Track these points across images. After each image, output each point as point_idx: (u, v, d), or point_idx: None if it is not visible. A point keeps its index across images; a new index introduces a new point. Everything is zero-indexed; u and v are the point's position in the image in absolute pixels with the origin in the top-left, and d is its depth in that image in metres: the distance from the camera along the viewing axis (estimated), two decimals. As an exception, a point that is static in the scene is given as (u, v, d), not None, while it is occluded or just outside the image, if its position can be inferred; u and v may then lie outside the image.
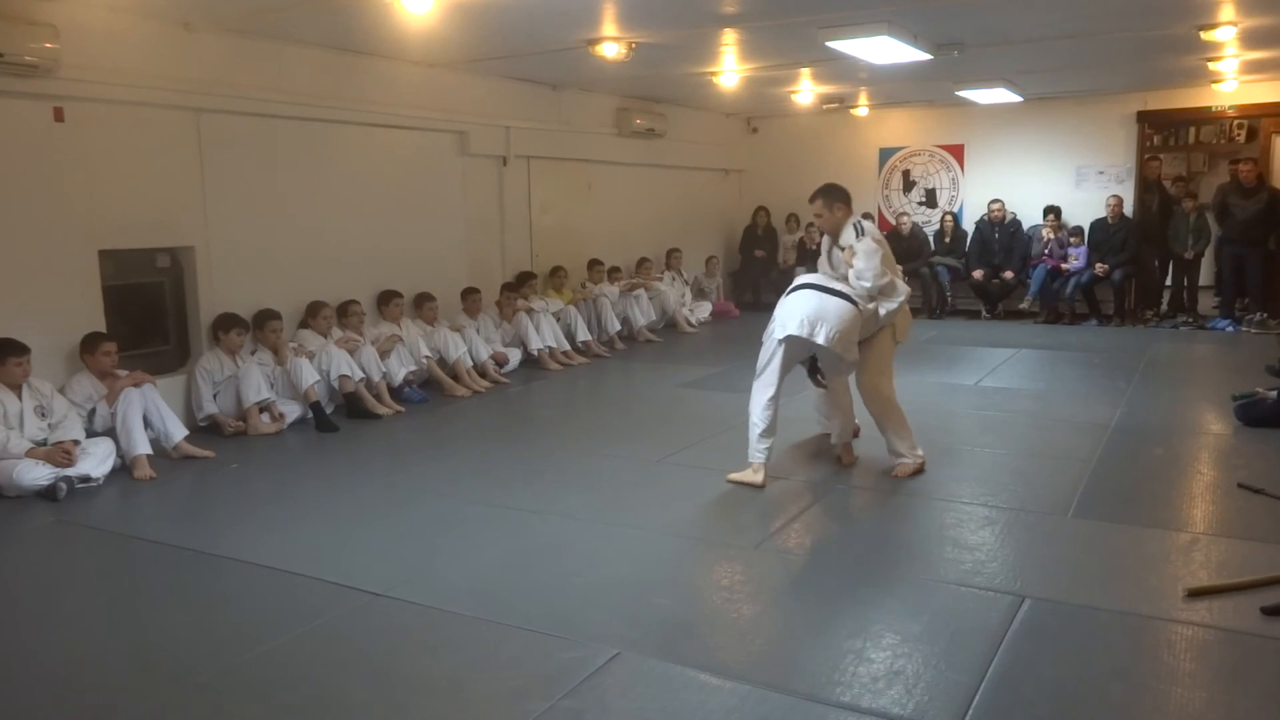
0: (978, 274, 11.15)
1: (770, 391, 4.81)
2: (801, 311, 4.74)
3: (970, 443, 5.77)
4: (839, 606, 3.54)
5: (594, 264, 9.97)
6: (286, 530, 4.40)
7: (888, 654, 3.06)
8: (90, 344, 5.53)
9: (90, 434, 5.29)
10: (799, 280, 5.02)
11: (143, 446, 5.32)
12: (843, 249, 5.05)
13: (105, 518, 4.71)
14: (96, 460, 5.09)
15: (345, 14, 6.02)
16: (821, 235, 5.45)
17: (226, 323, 6.31)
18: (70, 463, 4.95)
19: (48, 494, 4.80)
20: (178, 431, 5.58)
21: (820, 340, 4.67)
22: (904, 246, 10.87)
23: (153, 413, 5.52)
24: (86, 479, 4.99)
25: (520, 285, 8.83)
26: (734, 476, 4.87)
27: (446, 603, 3.51)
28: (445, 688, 2.93)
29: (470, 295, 8.18)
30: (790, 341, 4.76)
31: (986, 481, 4.94)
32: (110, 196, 5.88)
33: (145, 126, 6.07)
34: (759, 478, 4.80)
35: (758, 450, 4.83)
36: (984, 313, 11.29)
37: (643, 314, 9.93)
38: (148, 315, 6.46)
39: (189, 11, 5.99)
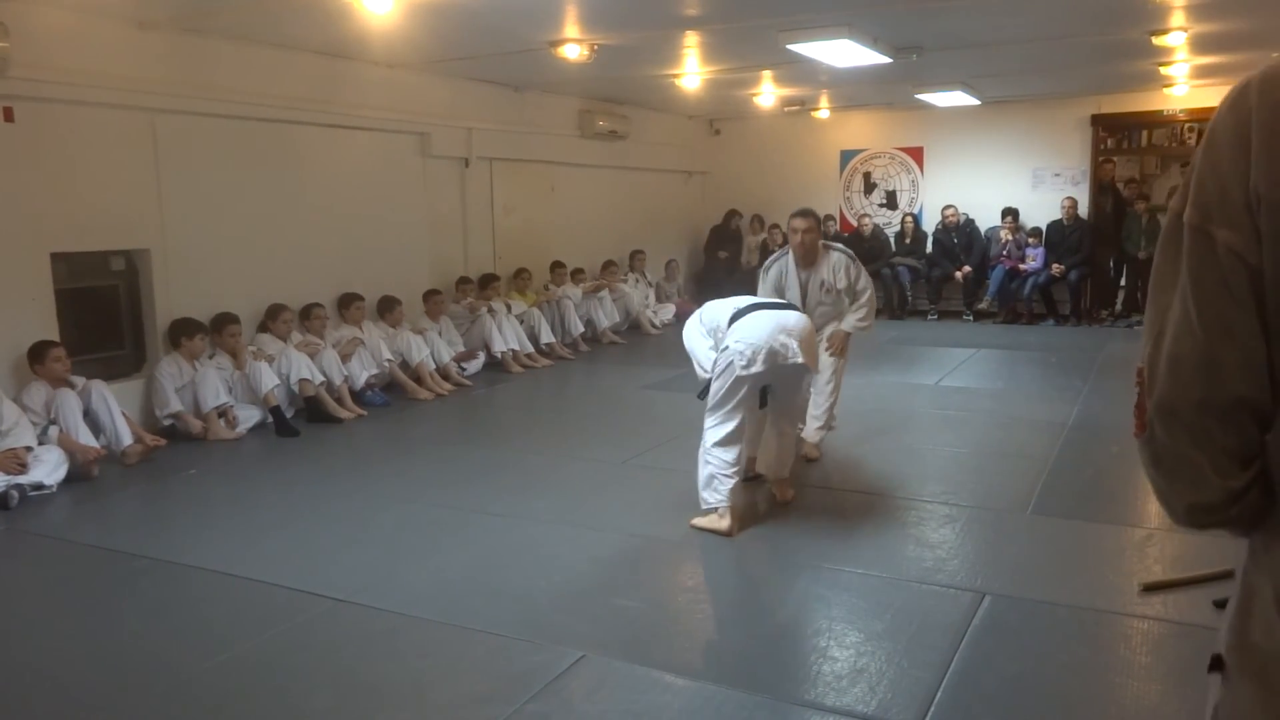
0: (959, 273, 11.21)
1: (732, 425, 4.26)
2: (769, 336, 4.21)
3: (931, 441, 5.84)
4: (802, 606, 3.56)
5: (557, 266, 9.95)
6: (246, 536, 4.34)
7: (851, 652, 3.09)
8: (38, 353, 5.40)
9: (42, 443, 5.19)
10: (745, 303, 4.48)
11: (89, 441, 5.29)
12: (824, 282, 5.14)
13: (59, 526, 4.62)
14: (49, 468, 4.99)
15: (304, 14, 5.96)
16: (782, 249, 5.31)
17: (188, 328, 6.21)
18: (22, 470, 4.86)
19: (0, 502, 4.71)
20: (128, 436, 5.49)
21: (798, 359, 4.21)
22: (865, 248, 10.95)
23: (103, 414, 5.43)
24: (39, 486, 4.89)
25: (484, 286, 8.79)
26: (699, 523, 4.28)
27: (410, 608, 3.48)
28: (409, 693, 2.91)
29: (431, 297, 8.13)
30: (758, 376, 4.25)
31: (947, 480, 5.00)
32: (63, 198, 5.77)
33: (99, 127, 5.96)
34: (725, 523, 4.20)
35: (718, 493, 4.23)
36: (965, 315, 11.34)
37: (606, 316, 9.93)
38: (102, 319, 6.34)
39: (143, 10, 5.90)
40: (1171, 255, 0.97)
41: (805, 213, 5.14)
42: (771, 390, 4.49)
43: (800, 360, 4.24)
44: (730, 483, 4.24)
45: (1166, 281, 0.98)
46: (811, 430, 5.34)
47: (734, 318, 4.36)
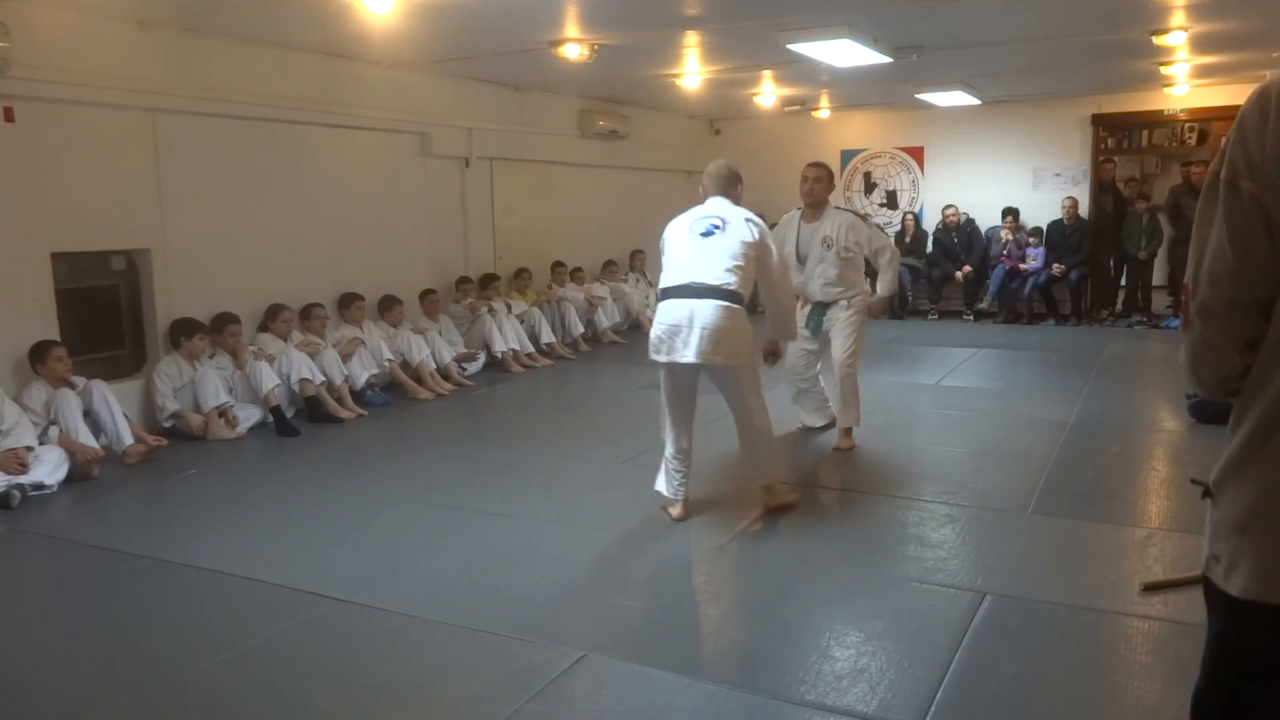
0: (959, 273, 11.20)
1: (668, 415, 4.27)
2: (669, 329, 4.04)
3: (931, 441, 5.83)
4: (803, 605, 3.56)
5: (558, 266, 9.95)
6: (246, 536, 4.34)
7: (851, 652, 3.09)
8: (40, 353, 5.40)
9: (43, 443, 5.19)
10: (672, 271, 4.19)
11: (89, 441, 5.29)
12: (826, 238, 5.35)
13: (59, 525, 4.62)
14: (49, 467, 4.99)
15: (305, 14, 5.95)
16: (795, 210, 5.50)
17: (188, 328, 6.21)
18: (23, 470, 4.86)
19: (0, 502, 4.70)
20: (129, 436, 5.50)
21: (687, 359, 4.00)
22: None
23: (104, 414, 5.43)
24: (40, 486, 4.89)
25: (484, 286, 8.80)
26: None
27: (410, 607, 3.48)
28: (410, 693, 2.91)
29: (428, 296, 8.12)
30: (671, 367, 4.11)
31: (947, 479, 5.00)
32: (63, 198, 5.77)
33: (99, 127, 5.96)
34: (674, 512, 4.32)
35: (669, 485, 4.32)
36: (965, 314, 11.35)
37: (607, 316, 9.93)
38: (103, 319, 6.34)
39: (143, 10, 5.90)
40: (1210, 203, 1.37)
41: (818, 164, 5.47)
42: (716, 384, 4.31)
43: (689, 361, 3.99)
44: (678, 475, 4.32)
45: (1206, 221, 1.38)
46: (838, 419, 5.62)
47: (661, 293, 4.19)
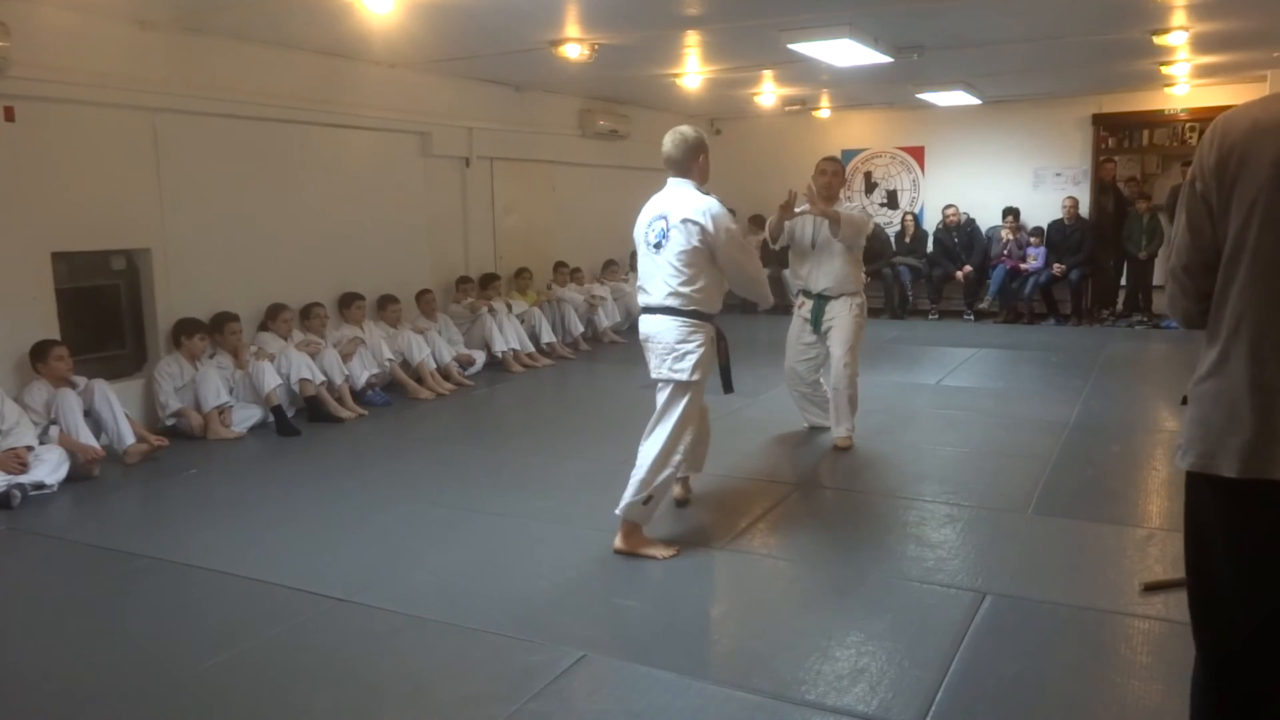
0: (960, 273, 11.19)
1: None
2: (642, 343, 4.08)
3: (931, 441, 5.83)
4: (803, 605, 3.56)
5: (559, 266, 9.94)
6: (247, 535, 4.33)
7: (852, 652, 3.09)
8: (41, 352, 5.41)
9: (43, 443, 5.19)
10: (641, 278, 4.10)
11: (89, 440, 5.29)
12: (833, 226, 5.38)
13: (60, 525, 4.62)
14: (50, 467, 4.99)
15: (305, 13, 5.95)
16: (793, 219, 5.47)
17: (189, 328, 6.22)
18: (23, 470, 4.86)
19: (1, 501, 4.70)
20: (130, 435, 5.50)
21: (665, 373, 3.97)
22: (867, 247, 10.92)
23: (105, 413, 5.43)
24: (40, 486, 4.89)
25: (485, 286, 8.79)
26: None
27: (410, 607, 3.48)
28: (409, 692, 2.91)
29: (424, 296, 8.12)
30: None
31: (948, 479, 5.00)
32: (63, 198, 5.77)
33: (100, 127, 5.96)
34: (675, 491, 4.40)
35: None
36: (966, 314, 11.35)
37: (607, 315, 9.93)
38: (103, 319, 6.34)
39: (144, 10, 5.89)
40: (1180, 200, 1.91)
41: (834, 159, 5.71)
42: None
43: (659, 376, 3.97)
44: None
45: (1179, 212, 1.91)
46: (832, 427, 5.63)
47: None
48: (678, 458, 4.02)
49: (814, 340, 5.63)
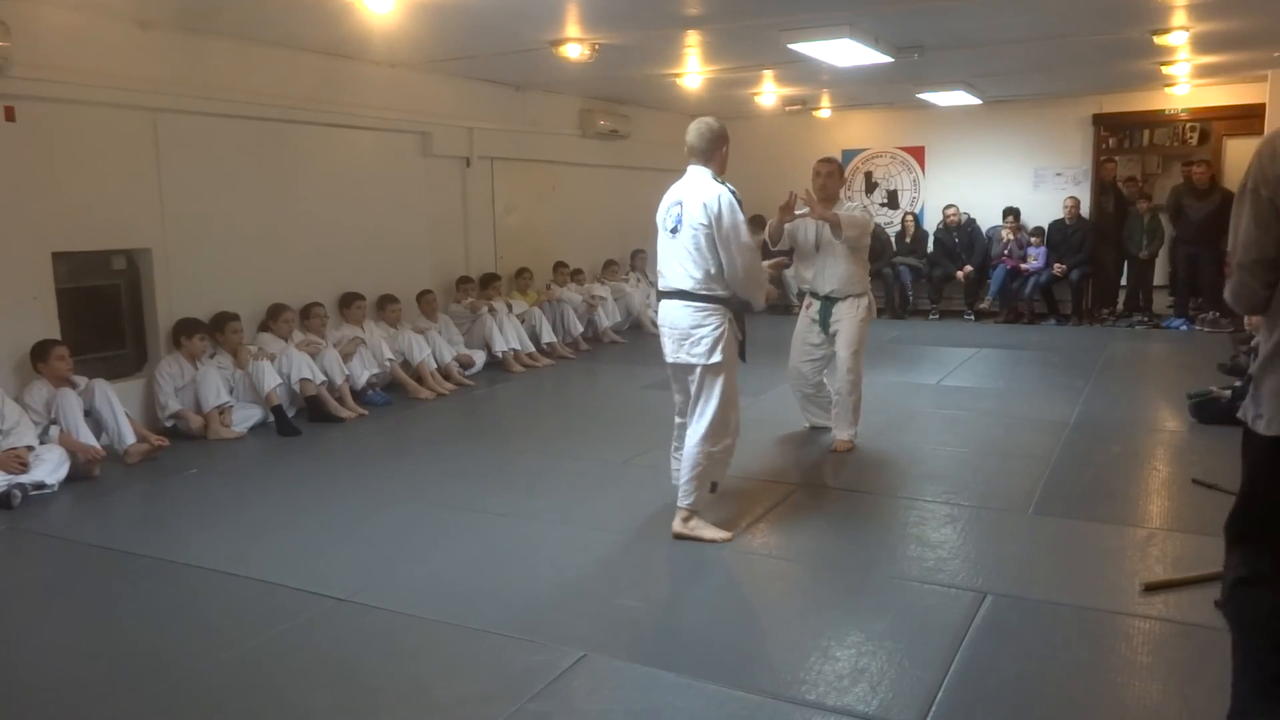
0: (960, 273, 11.18)
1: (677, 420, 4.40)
2: (661, 328, 4.21)
3: (932, 441, 5.83)
4: (804, 605, 3.56)
5: (560, 266, 9.95)
6: (247, 536, 4.34)
7: (852, 652, 3.09)
8: (42, 351, 5.40)
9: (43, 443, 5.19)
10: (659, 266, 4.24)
11: (90, 440, 5.29)
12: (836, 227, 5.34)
13: (61, 525, 4.62)
14: (50, 467, 4.99)
15: (305, 13, 5.95)
16: (793, 222, 5.45)
17: (189, 328, 6.22)
18: (24, 470, 4.86)
19: (1, 501, 4.70)
20: (131, 435, 5.50)
21: (669, 358, 4.14)
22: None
23: (106, 413, 5.43)
24: (41, 486, 4.89)
25: (485, 286, 8.79)
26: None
27: (411, 607, 3.48)
28: (410, 692, 2.91)
29: (425, 296, 8.12)
30: (672, 366, 4.22)
31: (948, 479, 5.00)
32: (64, 198, 5.76)
33: (100, 126, 5.96)
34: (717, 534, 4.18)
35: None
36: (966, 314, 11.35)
37: (607, 315, 9.93)
38: (103, 319, 6.34)
39: (144, 10, 5.89)
40: (1240, 203, 2.30)
41: (829, 159, 5.61)
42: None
43: (669, 360, 4.13)
44: (675, 461, 4.41)
45: (1238, 214, 2.30)
46: (834, 428, 5.62)
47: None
48: (729, 440, 4.18)
49: (820, 341, 5.61)
